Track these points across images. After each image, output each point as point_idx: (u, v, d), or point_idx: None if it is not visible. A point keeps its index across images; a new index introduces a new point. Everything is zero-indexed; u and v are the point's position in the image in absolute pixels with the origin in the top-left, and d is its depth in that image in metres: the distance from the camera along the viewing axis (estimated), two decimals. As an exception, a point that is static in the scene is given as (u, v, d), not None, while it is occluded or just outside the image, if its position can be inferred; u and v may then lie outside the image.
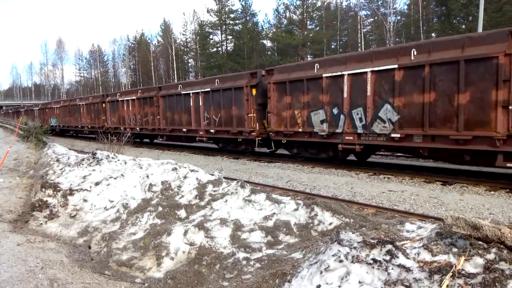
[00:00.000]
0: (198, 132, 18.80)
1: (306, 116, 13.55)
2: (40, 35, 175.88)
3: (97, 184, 7.31)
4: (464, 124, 9.45)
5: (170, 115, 20.61)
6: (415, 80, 10.38)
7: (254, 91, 15.66)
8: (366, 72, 11.50)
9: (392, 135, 10.98)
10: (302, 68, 14.02)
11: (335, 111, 12.59)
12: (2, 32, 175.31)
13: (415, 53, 10.44)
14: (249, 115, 15.77)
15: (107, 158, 8.60)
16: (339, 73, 12.24)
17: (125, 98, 24.84)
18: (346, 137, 12.27)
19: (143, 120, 22.96)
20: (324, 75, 12.78)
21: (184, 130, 19.65)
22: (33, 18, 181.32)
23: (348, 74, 12.00)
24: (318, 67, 13.19)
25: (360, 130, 11.82)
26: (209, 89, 17.73)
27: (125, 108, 24.65)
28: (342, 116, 12.34)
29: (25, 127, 24.35)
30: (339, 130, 12.46)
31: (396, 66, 10.71)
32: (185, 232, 5.08)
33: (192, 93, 18.75)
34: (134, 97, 23.75)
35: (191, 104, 18.90)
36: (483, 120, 9.17)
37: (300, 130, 13.84)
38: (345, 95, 12.17)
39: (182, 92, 19.44)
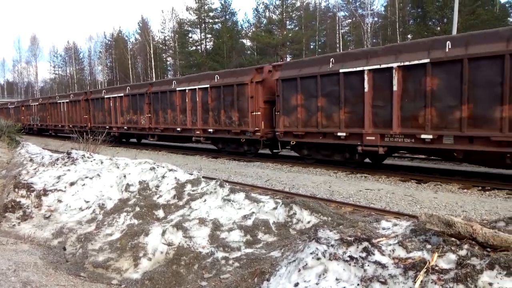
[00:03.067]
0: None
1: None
2: (13, 31, 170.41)
3: (72, 184, 7.14)
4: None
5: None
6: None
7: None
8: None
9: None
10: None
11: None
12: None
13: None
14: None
15: (82, 157, 8.43)
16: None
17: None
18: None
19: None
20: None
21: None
22: (5, 13, 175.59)
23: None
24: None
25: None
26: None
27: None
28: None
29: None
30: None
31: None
32: (163, 232, 5.03)
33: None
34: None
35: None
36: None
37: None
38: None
39: (177, 89, 18.37)
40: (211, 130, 16.96)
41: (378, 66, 11.05)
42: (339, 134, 12.16)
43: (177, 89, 18.61)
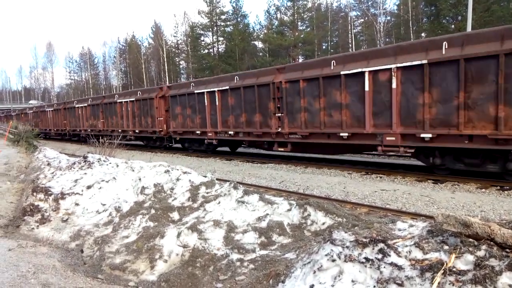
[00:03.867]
0: (381, 137, 13.74)
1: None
2: (30, 38, 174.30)
3: (89, 187, 7.27)
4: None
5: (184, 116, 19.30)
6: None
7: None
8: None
9: (421, 135, 10.23)
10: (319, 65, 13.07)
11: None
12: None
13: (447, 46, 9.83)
14: (277, 114, 14.15)
15: (98, 161, 8.56)
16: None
17: (123, 100, 24.32)
18: (387, 138, 11.03)
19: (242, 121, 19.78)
20: (344, 72, 11.89)
21: (343, 135, 14.96)
22: (22, 21, 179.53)
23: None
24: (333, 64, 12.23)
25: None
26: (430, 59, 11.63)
27: (206, 104, 20.65)
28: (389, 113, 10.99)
29: (15, 131, 24.09)
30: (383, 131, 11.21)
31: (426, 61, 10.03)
32: (178, 235, 5.07)
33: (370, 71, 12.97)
34: (133, 99, 22.96)
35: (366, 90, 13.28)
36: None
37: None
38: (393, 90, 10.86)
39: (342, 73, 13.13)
40: (231, 132, 16.81)
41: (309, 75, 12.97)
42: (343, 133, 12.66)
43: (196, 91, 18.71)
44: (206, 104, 17.55)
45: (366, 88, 11.45)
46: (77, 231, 6.19)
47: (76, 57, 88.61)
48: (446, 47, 9.81)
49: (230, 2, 52.54)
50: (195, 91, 18.08)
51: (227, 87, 16.49)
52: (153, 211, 6.00)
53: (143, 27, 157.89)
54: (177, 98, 19.48)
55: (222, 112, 17.05)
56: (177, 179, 7.09)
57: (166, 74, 53.24)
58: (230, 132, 16.60)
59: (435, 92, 10.07)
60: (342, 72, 11.97)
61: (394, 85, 10.78)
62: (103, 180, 7.38)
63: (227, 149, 19.70)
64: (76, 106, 30.55)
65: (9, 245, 5.74)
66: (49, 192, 7.19)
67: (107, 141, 13.09)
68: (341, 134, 12.29)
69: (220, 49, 53.66)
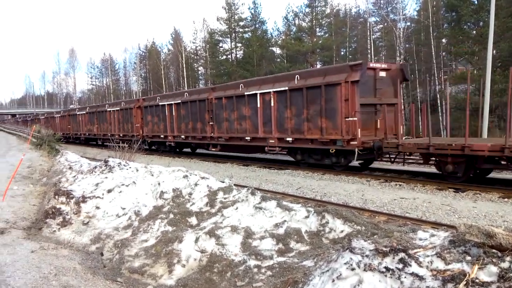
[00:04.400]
0: (267, 140, 15.95)
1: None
2: (53, 44, 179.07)
3: (109, 191, 7.39)
4: (303, 129, 14.45)
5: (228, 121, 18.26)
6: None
7: (354, 88, 12.62)
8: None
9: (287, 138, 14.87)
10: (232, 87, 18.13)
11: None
12: (17, 43, 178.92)
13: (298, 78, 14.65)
14: (348, 119, 12.75)
15: (119, 165, 8.69)
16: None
17: (112, 109, 27.80)
18: (270, 141, 15.67)
19: (190, 127, 20.92)
20: (250, 92, 16.51)
21: (248, 138, 16.86)
22: (46, 28, 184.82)
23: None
24: (298, 78, 14.79)
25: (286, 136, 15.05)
26: (284, 88, 14.96)
27: (167, 114, 22.59)
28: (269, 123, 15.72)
29: (38, 135, 24.70)
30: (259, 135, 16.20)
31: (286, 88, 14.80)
32: (196, 240, 5.10)
33: (260, 93, 16.04)
34: (119, 108, 26.15)
35: (258, 106, 16.19)
36: (329, 127, 13.55)
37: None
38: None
39: (246, 93, 16.77)
40: (289, 139, 15.88)
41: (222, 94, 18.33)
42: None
43: (246, 93, 18.06)
44: (166, 114, 22.32)
45: (259, 105, 16.12)
46: (97, 234, 6.30)
47: (98, 63, 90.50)
48: (298, 79, 14.57)
49: (249, 8, 52.89)
50: (159, 103, 22.90)
51: (180, 101, 21.25)
52: (171, 216, 6.06)
53: (163, 33, 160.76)
54: (148, 108, 24.42)
55: (177, 121, 21.59)
56: (195, 184, 7.14)
57: (185, 80, 53.83)
58: (182, 136, 21.28)
59: (293, 109, 14.70)
60: (245, 93, 16.70)
61: (272, 104, 15.51)
62: (123, 184, 7.50)
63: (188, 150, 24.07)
64: (77, 113, 35.67)
65: (32, 247, 5.88)
66: (71, 195, 7.34)
67: (125, 145, 13.31)
68: (246, 138, 16.90)
69: (238, 55, 54.01)
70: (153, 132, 23.85)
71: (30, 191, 10.20)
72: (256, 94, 16.05)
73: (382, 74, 13.68)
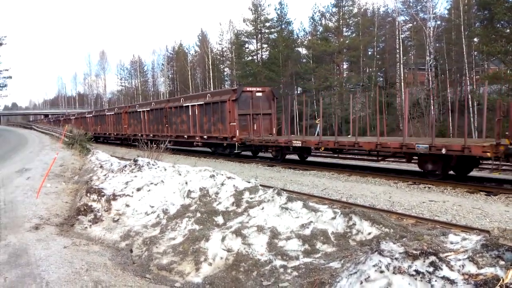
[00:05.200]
0: (195, 138, 23.45)
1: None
2: (84, 47, 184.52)
3: (138, 189, 7.56)
4: (211, 130, 21.30)
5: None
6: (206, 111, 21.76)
7: (234, 104, 19.59)
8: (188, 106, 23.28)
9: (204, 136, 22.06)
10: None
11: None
12: (50, 45, 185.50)
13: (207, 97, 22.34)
14: (231, 123, 19.75)
15: (147, 165, 8.88)
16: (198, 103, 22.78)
17: (108, 113, 36.81)
18: (199, 138, 22.58)
19: (155, 128, 28.36)
20: (185, 103, 23.80)
21: (185, 136, 24.36)
22: (77, 31, 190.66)
23: (198, 105, 22.53)
24: (183, 100, 24.73)
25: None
26: (202, 102, 22.38)
27: (141, 118, 30.22)
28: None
29: (70, 135, 25.50)
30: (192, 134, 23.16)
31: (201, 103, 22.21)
32: (223, 238, 5.15)
33: (191, 105, 23.51)
34: (113, 113, 34.54)
35: (190, 114, 24.21)
36: (222, 128, 20.22)
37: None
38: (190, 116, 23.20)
39: (184, 105, 24.49)
40: (205, 136, 22.65)
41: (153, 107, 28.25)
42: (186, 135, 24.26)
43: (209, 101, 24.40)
44: (141, 118, 29.74)
45: (190, 113, 23.05)
46: (127, 231, 6.45)
47: (127, 65, 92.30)
48: (209, 96, 22.04)
49: (275, 9, 52.87)
50: (138, 110, 30.57)
51: (149, 109, 28.82)
52: (198, 215, 6.14)
53: (190, 35, 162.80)
54: (131, 114, 32.06)
55: (148, 123, 29.02)
56: (222, 184, 7.22)
57: (211, 81, 54.34)
58: (151, 135, 27.81)
59: (207, 117, 21.61)
60: (184, 105, 23.96)
61: (196, 113, 22.46)
62: (152, 183, 7.65)
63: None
64: (87, 116, 43.84)
65: (64, 242, 6.10)
66: (102, 193, 7.55)
67: (154, 145, 13.56)
68: (185, 136, 24.13)
69: (264, 56, 54.05)
70: (134, 132, 31.02)
71: (63, 189, 10.54)
72: (188, 106, 23.25)
73: (259, 94, 20.37)
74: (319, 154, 19.19)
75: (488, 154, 9.99)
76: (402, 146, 11.93)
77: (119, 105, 59.47)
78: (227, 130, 19.77)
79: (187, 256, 5.10)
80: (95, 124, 40.63)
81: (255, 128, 19.63)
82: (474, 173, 13.19)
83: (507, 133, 10.38)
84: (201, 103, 22.17)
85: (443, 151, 10.84)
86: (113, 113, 35.61)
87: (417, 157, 12.29)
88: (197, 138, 22.51)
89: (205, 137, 21.76)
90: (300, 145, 15.94)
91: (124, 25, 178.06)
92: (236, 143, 19.31)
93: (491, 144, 10.03)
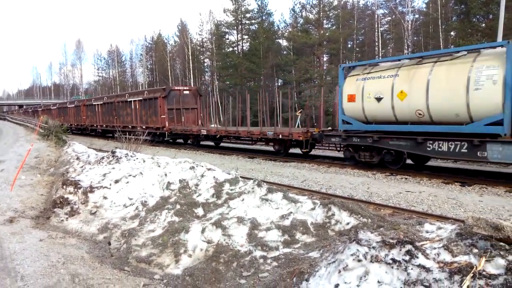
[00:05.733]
0: (137, 128, 26.15)
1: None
2: (60, 36, 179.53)
3: (116, 181, 7.44)
4: (148, 121, 25.18)
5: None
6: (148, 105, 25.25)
7: (164, 100, 23.88)
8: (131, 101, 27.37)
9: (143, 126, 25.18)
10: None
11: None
12: (24, 34, 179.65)
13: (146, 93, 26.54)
14: (162, 116, 23.89)
15: (126, 156, 8.75)
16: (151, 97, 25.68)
17: (70, 106, 40.25)
18: (140, 128, 24.54)
19: (107, 120, 32.51)
20: (129, 99, 27.69)
21: (130, 126, 27.54)
22: (53, 19, 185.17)
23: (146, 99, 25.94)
24: (127, 96, 28.66)
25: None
26: (141, 98, 26.30)
27: (96, 110, 34.04)
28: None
29: (45, 126, 24.86)
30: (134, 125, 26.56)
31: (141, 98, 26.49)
32: (203, 230, 5.14)
33: (133, 100, 27.79)
34: (74, 105, 38.51)
35: (133, 108, 27.98)
36: (156, 120, 24.21)
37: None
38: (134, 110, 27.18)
39: (128, 100, 28.48)
40: (144, 126, 25.87)
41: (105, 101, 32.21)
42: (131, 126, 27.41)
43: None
44: (96, 110, 32.94)
45: (133, 107, 26.79)
46: (104, 224, 6.36)
47: (104, 55, 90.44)
48: (146, 93, 26.16)
49: (256, 0, 52.60)
50: (93, 103, 33.84)
51: (102, 102, 32.30)
52: (178, 206, 6.10)
53: (170, 25, 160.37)
54: (88, 106, 35.20)
55: (102, 115, 32.17)
56: (202, 176, 7.18)
57: (191, 72, 53.77)
58: (104, 125, 31.68)
59: (145, 110, 25.54)
60: (128, 100, 27.69)
61: (138, 107, 26.28)
62: (130, 175, 7.54)
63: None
64: (51, 108, 46.82)
65: (40, 235, 5.97)
66: (78, 185, 7.40)
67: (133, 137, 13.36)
68: (129, 126, 26.74)
69: (244, 47, 53.79)
70: (91, 122, 34.43)
71: (38, 181, 10.30)
72: (131, 101, 27.17)
73: (186, 92, 25.10)
74: (234, 141, 22.35)
75: (301, 138, 15.03)
76: (260, 133, 17.29)
77: (93, 96, 59.75)
78: (159, 121, 24.04)
79: (167, 248, 5.06)
80: (58, 116, 42.72)
81: (182, 120, 24.13)
82: (450, 164, 13.54)
83: (315, 124, 15.23)
84: (140, 99, 26.16)
85: (280, 136, 16.09)
86: (73, 105, 39.35)
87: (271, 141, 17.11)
88: (138, 128, 25.31)
89: (144, 127, 25.08)
90: (205, 133, 20.65)
91: (101, 13, 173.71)
92: (166, 132, 23.71)
93: (303, 131, 15.20)
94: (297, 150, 16.64)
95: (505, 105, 9.20)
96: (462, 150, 10.12)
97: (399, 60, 12.41)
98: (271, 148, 18.16)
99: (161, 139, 24.31)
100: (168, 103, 23.68)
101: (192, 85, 46.87)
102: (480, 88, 9.56)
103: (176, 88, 25.51)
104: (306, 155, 16.30)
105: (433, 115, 10.66)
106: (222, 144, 22.84)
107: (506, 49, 9.26)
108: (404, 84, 11.21)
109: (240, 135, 18.57)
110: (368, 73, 12.57)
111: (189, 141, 23.68)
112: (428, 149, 10.82)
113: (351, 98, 12.86)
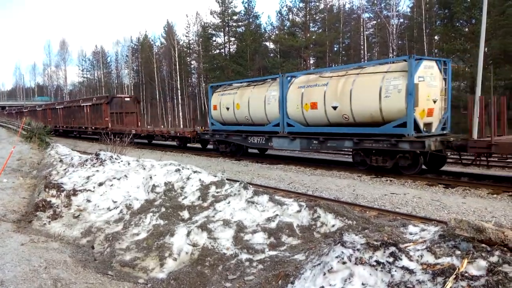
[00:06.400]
0: (88, 128, 32.36)
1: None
2: (44, 35, 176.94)
3: (100, 184, 7.34)
4: (96, 123, 30.23)
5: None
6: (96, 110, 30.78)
7: (107, 106, 29.27)
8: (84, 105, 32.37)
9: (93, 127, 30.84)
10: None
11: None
12: (6, 33, 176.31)
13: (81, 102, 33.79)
14: (106, 119, 29.24)
15: (110, 159, 8.64)
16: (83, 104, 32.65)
17: (38, 109, 44.58)
18: (90, 128, 30.95)
19: (67, 121, 37.96)
20: (82, 104, 32.83)
21: (83, 127, 33.30)
22: (36, 18, 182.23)
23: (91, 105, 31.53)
24: (81, 101, 34.08)
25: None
26: (91, 104, 31.96)
27: (59, 113, 38.85)
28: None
29: (28, 128, 24.42)
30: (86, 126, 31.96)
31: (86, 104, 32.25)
32: (188, 233, 5.10)
33: (85, 105, 33.15)
34: (41, 108, 43.34)
35: (85, 112, 33.35)
36: (101, 122, 29.31)
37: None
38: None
39: (82, 104, 33.59)
40: (93, 127, 31.40)
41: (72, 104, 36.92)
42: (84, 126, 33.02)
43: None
44: (58, 113, 37.86)
45: (85, 111, 31.60)
46: (88, 228, 6.26)
47: (89, 56, 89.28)
48: (94, 100, 32.50)
49: (242, 2, 52.54)
50: (56, 107, 39.14)
51: (63, 106, 37.79)
52: (163, 210, 6.04)
53: (156, 26, 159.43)
54: (52, 110, 39.87)
55: (63, 118, 37.08)
56: (188, 178, 7.13)
57: (177, 73, 53.49)
58: (64, 126, 36.69)
59: (94, 113, 30.73)
60: (82, 104, 32.44)
61: (88, 111, 31.38)
62: (115, 178, 7.45)
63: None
64: (23, 110, 50.52)
65: (22, 239, 5.83)
66: (61, 188, 7.28)
67: (117, 139, 13.23)
68: (83, 127, 32.45)
69: (231, 50, 53.77)
70: (55, 123, 37.65)
71: (20, 184, 10.09)
72: (84, 105, 32.28)
73: (127, 99, 31.14)
74: (164, 140, 25.69)
75: (189, 136, 20.37)
76: (167, 132, 22.98)
77: (73, 99, 62.45)
78: (104, 123, 28.91)
79: (151, 251, 5.00)
80: (29, 117, 46.59)
81: (124, 122, 29.67)
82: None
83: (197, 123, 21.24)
84: (90, 104, 31.56)
85: (177, 134, 21.85)
86: (41, 108, 43.88)
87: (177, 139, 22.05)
88: (89, 129, 31.25)
89: (93, 128, 30.07)
90: (134, 132, 24.53)
91: (86, 13, 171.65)
92: (109, 132, 27.91)
93: (191, 130, 20.67)
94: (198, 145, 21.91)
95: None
96: (263, 142, 15.89)
97: (241, 82, 18.57)
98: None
99: (105, 138, 30.55)
100: (111, 108, 29.35)
101: (132, 93, 57.40)
102: (389, 96, 11.37)
103: (118, 96, 32.89)
104: (191, 148, 22.35)
105: (253, 119, 16.65)
106: (153, 141, 27.39)
107: (408, 63, 10.97)
108: (238, 99, 17.04)
109: (156, 134, 24.60)
110: (224, 90, 18.61)
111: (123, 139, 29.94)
112: (249, 142, 16.62)
113: (215, 108, 18.62)
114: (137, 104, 31.68)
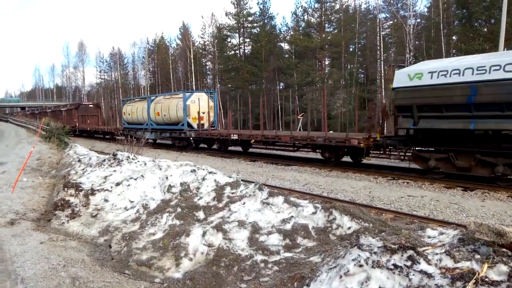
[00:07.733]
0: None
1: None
2: (62, 37, 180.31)
3: (117, 184, 7.43)
4: (67, 123, 39.22)
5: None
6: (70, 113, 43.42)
7: (76, 111, 40.36)
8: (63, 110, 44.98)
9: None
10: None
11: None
12: (26, 35, 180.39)
13: (68, 106, 46.54)
14: (74, 120, 39.92)
15: (127, 159, 8.75)
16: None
17: (50, 110, 51.79)
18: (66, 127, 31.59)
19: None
20: (62, 109, 45.65)
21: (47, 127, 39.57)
22: (55, 21, 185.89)
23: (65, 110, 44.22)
24: (62, 106, 48.21)
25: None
26: (66, 108, 44.81)
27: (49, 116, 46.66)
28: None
29: (47, 128, 24.91)
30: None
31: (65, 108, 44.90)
32: (204, 234, 5.12)
33: (63, 110, 45.19)
34: (38, 111, 54.64)
35: (63, 115, 44.03)
36: (72, 123, 40.78)
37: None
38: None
39: (62, 109, 45.66)
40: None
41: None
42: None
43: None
44: (48, 116, 39.96)
45: (63, 114, 43.34)
46: (105, 227, 6.35)
47: (107, 57, 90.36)
48: (68, 106, 46.71)
49: (258, 3, 52.67)
50: (47, 111, 48.10)
51: (50, 110, 47.09)
52: (179, 210, 6.09)
53: (172, 28, 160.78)
54: (43, 113, 46.67)
55: (52, 118, 37.06)
56: (203, 179, 7.16)
57: (193, 74, 53.82)
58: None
59: (68, 117, 43.04)
60: (62, 109, 45.14)
61: (65, 114, 43.88)
62: (132, 178, 7.54)
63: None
64: (27, 113, 61.70)
65: (41, 238, 5.95)
66: (80, 188, 7.40)
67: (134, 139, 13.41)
68: (62, 126, 31.98)
69: (246, 51, 53.86)
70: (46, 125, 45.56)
71: (40, 183, 10.30)
72: (62, 110, 42.42)
73: (91, 106, 43.31)
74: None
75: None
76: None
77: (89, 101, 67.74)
78: (74, 123, 39.06)
79: (167, 251, 5.05)
80: (33, 119, 56.99)
81: (88, 122, 39.80)
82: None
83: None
84: (66, 109, 43.40)
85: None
86: (38, 112, 53.10)
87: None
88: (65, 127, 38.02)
89: (68, 126, 35.36)
90: (106, 130, 33.89)
91: (104, 15, 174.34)
92: (77, 129, 38.51)
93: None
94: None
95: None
96: (142, 134, 21.11)
97: (144, 98, 28.67)
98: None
99: (76, 133, 38.84)
100: (78, 113, 40.65)
101: (95, 100, 67.23)
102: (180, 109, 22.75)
103: (84, 103, 45.59)
104: (205, 148, 24.20)
105: (139, 121, 28.05)
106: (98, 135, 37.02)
107: (183, 94, 22.64)
108: (134, 109, 28.20)
109: (102, 131, 35.52)
110: (129, 103, 30.07)
111: (84, 134, 39.61)
112: (137, 134, 21.71)
113: (124, 113, 29.99)
114: (99, 109, 43.67)
